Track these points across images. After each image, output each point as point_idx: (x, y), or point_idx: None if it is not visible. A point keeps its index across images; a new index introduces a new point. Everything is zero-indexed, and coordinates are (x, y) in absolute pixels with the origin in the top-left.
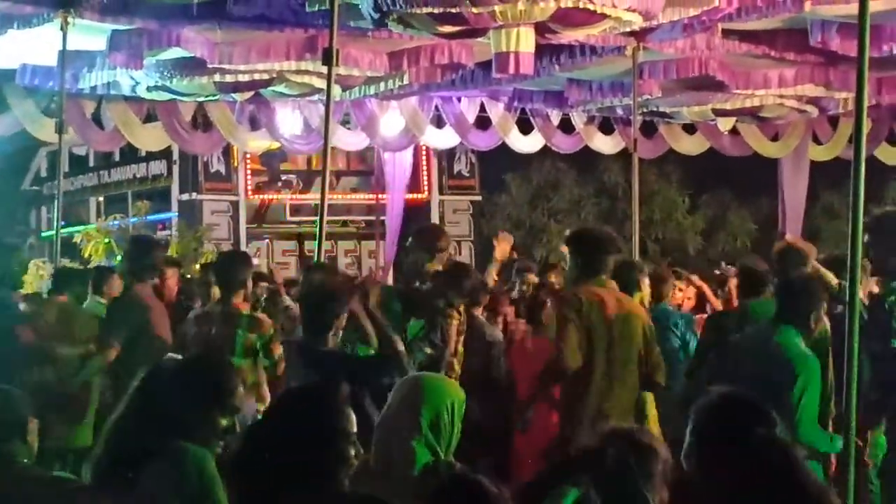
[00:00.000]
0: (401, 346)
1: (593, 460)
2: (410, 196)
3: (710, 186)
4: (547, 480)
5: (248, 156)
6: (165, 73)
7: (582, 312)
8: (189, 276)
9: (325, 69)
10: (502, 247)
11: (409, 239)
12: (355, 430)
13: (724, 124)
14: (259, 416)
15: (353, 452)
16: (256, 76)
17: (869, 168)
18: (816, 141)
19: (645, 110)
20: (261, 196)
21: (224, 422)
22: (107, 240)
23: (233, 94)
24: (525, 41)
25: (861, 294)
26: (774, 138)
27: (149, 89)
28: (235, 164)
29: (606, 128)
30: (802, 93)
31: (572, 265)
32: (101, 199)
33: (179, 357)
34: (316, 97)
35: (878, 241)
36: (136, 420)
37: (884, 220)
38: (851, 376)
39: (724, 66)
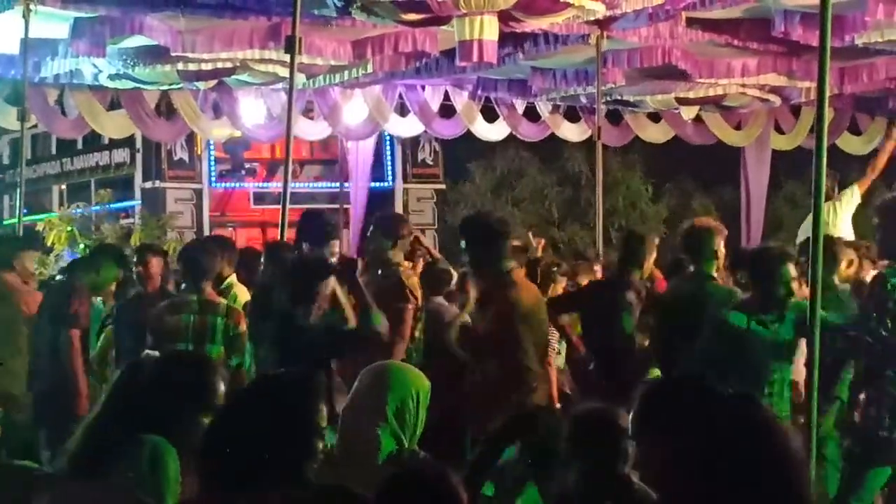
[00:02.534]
0: (383, 326)
1: (524, 425)
2: (374, 184)
3: (673, 175)
4: (487, 450)
5: (213, 144)
6: (128, 61)
7: None
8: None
9: (287, 58)
10: None
11: (371, 227)
12: (325, 423)
13: (688, 113)
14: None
15: (320, 446)
16: (219, 64)
17: (830, 157)
18: (779, 130)
19: (609, 99)
20: (224, 184)
21: (206, 420)
22: (69, 228)
23: (196, 83)
24: (489, 29)
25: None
26: (737, 127)
27: (111, 77)
28: (199, 152)
29: (572, 116)
30: (765, 82)
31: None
32: (63, 187)
33: (158, 353)
34: (279, 86)
35: (884, 224)
36: (114, 415)
37: (891, 204)
38: (813, 358)
39: (687, 55)
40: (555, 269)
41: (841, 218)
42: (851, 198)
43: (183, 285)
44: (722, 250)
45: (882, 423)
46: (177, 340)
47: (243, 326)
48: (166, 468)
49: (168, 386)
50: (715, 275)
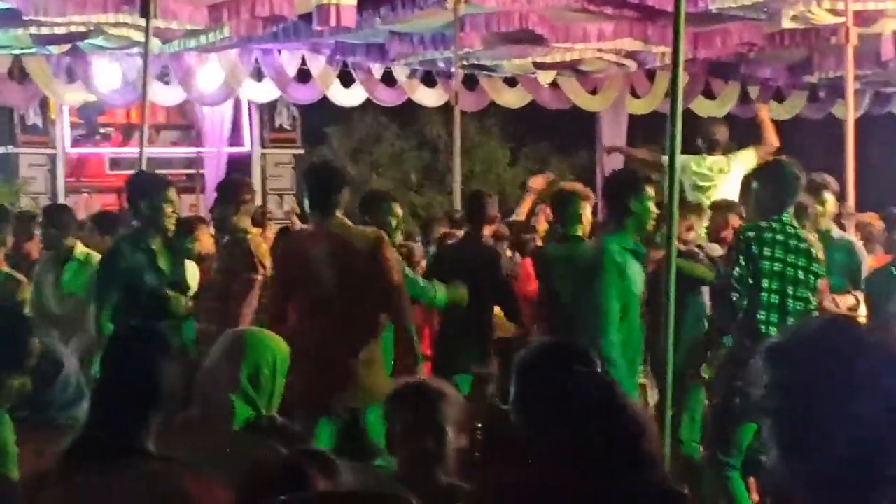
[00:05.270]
0: None
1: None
2: (231, 149)
3: (530, 139)
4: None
5: (67, 109)
6: None
7: None
8: None
9: (143, 22)
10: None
11: (215, 194)
12: (171, 384)
13: (545, 78)
14: None
15: (169, 408)
16: (73, 28)
17: (685, 121)
18: (634, 94)
19: (466, 63)
20: (79, 149)
21: (16, 381)
22: None
23: (49, 47)
24: None
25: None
26: (593, 92)
27: None
28: (53, 116)
29: (429, 81)
30: (621, 47)
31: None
32: None
33: None
34: (134, 50)
35: (759, 186)
36: None
37: (764, 167)
38: (668, 320)
39: (544, 20)
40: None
41: (732, 176)
42: (746, 160)
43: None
44: (588, 215)
45: (738, 377)
46: None
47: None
48: (2, 438)
49: None
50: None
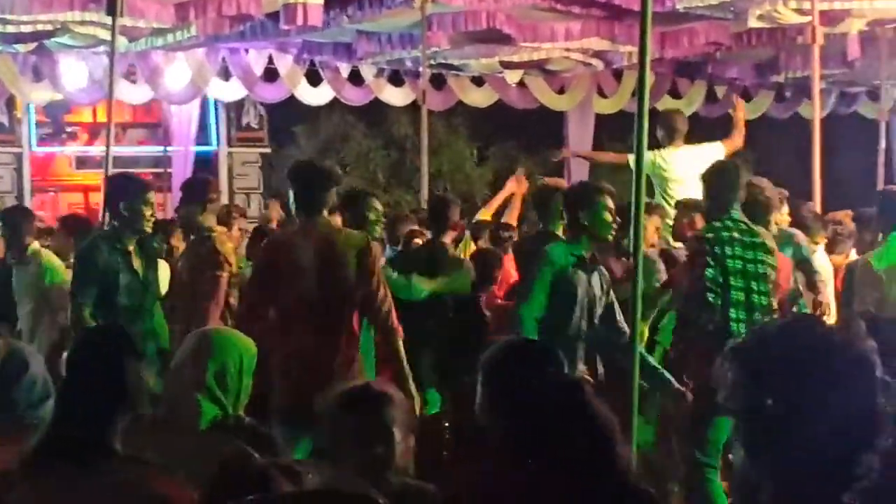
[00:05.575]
0: None
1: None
2: (199, 148)
3: (497, 139)
4: None
5: (33, 107)
6: None
7: None
8: None
9: (109, 20)
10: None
11: (180, 193)
12: (138, 383)
13: (512, 77)
14: None
15: (136, 408)
16: (39, 27)
17: (652, 120)
18: (601, 94)
19: (433, 62)
20: (45, 148)
21: None
22: None
23: (15, 45)
24: None
25: None
26: (560, 91)
27: None
28: (19, 115)
29: (396, 80)
30: (588, 46)
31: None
32: None
33: None
34: (101, 48)
35: (709, 189)
36: None
37: (709, 171)
38: (635, 321)
39: (511, 19)
40: None
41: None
42: (714, 153)
43: None
44: None
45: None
46: None
47: None
48: None
49: None
50: (560, 234)
